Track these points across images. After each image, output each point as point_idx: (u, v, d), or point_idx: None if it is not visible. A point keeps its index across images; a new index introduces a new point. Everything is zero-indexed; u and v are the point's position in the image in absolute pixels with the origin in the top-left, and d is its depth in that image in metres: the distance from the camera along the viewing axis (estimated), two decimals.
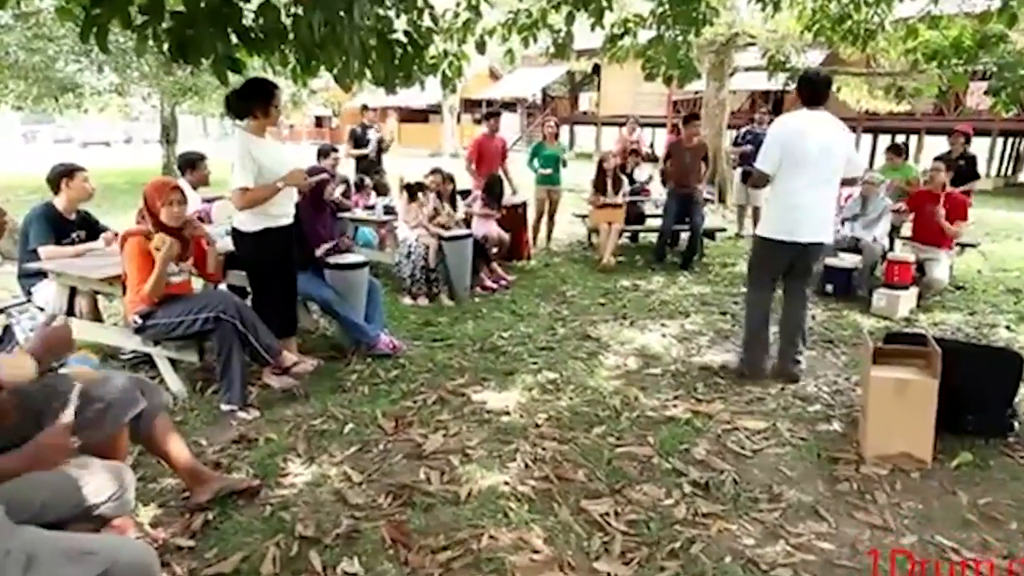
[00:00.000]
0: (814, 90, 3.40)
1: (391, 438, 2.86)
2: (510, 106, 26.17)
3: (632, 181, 7.30)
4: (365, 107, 8.28)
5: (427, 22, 4.49)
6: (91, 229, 3.88)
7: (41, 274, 3.62)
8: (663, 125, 21.16)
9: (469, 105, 27.51)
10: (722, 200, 10.07)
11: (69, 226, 3.76)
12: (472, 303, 5.14)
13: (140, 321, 3.03)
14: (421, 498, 2.38)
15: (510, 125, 26.00)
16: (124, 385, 2.01)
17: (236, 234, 3.35)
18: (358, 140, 7.73)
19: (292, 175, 3.29)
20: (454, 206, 5.86)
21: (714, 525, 2.24)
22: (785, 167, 3.33)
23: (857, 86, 13.53)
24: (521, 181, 7.21)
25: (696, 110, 17.92)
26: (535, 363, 3.85)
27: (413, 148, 25.18)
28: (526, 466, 2.63)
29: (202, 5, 2.56)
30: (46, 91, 12.99)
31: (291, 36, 2.77)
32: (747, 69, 11.63)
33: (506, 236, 6.15)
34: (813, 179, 3.34)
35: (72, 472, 1.72)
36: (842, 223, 5.67)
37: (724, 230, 7.63)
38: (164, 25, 2.60)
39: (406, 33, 3.97)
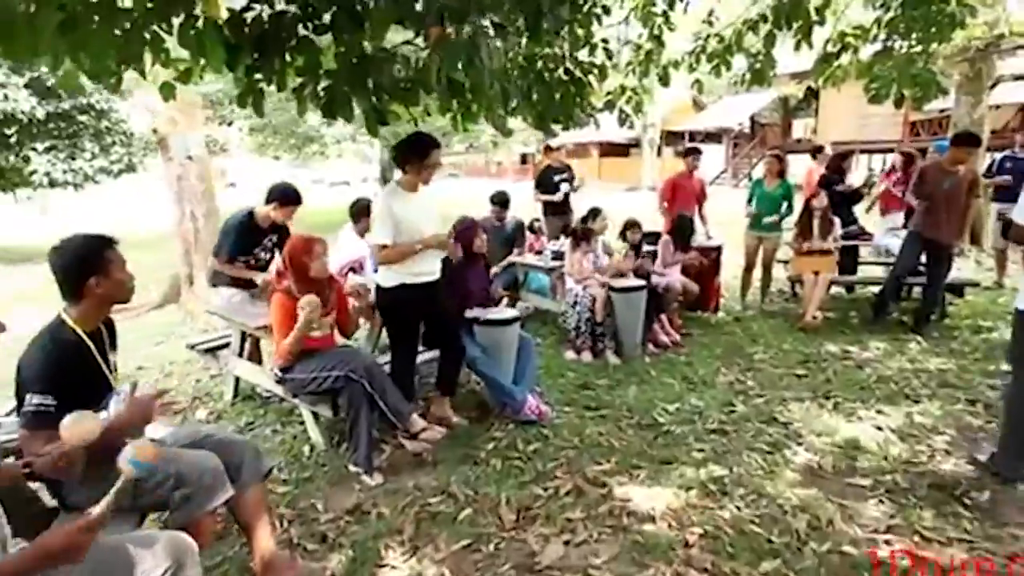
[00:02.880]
0: None
1: (507, 535, 2.47)
2: (714, 137, 24.78)
3: (842, 195, 6.09)
4: (548, 147, 7.88)
5: (600, 57, 4.17)
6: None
7: (225, 281, 3.92)
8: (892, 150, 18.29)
9: (671, 137, 26.66)
10: (975, 242, 8.11)
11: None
12: (640, 363, 4.58)
13: (280, 374, 3.07)
14: None
15: (713, 158, 24.63)
16: (213, 470, 1.92)
17: (377, 288, 3.31)
18: (546, 185, 6.95)
19: (433, 240, 3.17)
20: (638, 254, 5.37)
21: None
22: None
23: None
24: (721, 220, 6.45)
25: (943, 131, 15.21)
26: (700, 450, 3.19)
27: (612, 182, 25.06)
28: None
29: (354, 61, 2.52)
30: (295, 143, 15.34)
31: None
32: (1016, 78, 9.41)
33: (694, 286, 5.47)
34: None
35: (130, 549, 1.62)
36: None
37: (977, 284, 6.00)
38: (322, 84, 2.63)
39: (567, 71, 3.68)
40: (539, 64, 3.58)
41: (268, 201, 3.76)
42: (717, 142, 24.80)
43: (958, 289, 5.51)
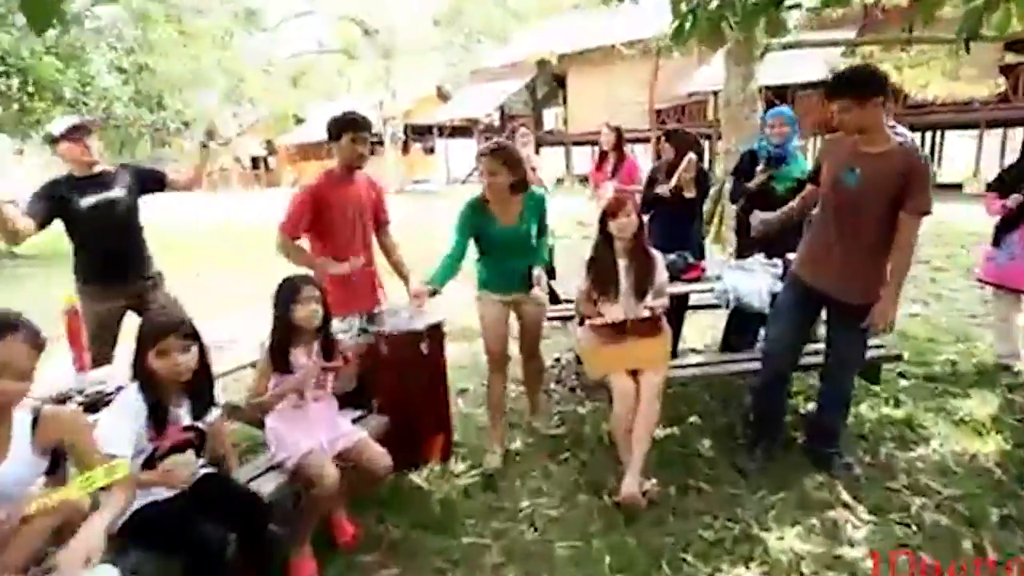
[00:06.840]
0: None
1: None
2: (464, 131, 22.44)
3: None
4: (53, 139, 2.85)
5: None
6: None
7: None
8: (646, 140, 17.58)
9: (417, 132, 23.78)
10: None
11: None
12: None
13: None
14: None
15: (464, 153, 22.25)
16: None
17: None
18: None
19: None
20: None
21: None
22: None
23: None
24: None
25: (687, 119, 14.05)
26: None
27: None
28: None
29: None
30: None
31: None
32: (785, 47, 7.97)
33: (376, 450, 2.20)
34: None
35: None
36: None
37: (900, 356, 3.32)
38: None
39: None
40: None
41: None
42: (467, 136, 22.53)
43: (873, 372, 2.99)
